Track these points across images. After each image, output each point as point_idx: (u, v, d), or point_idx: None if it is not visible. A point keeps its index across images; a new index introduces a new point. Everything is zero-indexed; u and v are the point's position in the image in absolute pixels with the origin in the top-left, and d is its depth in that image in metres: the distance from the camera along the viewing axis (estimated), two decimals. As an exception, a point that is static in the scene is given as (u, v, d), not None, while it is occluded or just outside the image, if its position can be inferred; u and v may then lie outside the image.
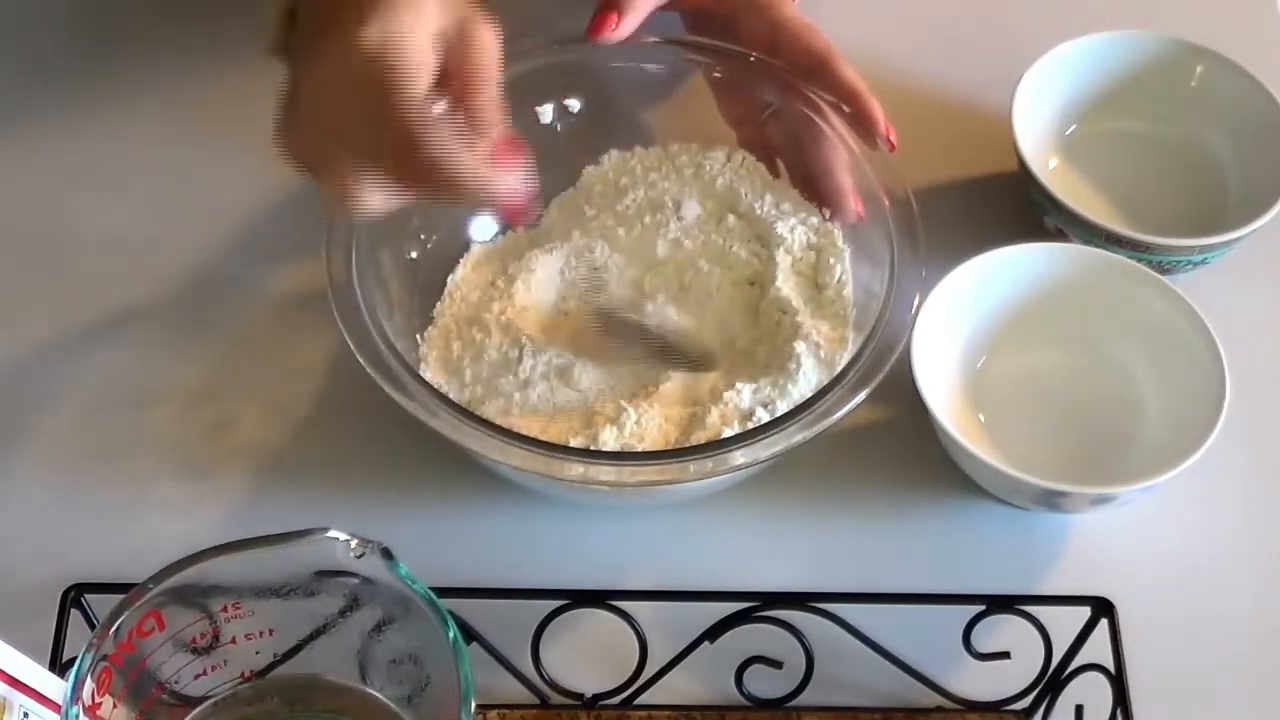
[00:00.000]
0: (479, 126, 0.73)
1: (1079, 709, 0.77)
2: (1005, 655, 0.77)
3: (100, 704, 0.64)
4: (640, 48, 0.90)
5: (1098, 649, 0.77)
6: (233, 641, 0.68)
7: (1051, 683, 0.77)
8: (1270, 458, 0.89)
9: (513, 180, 0.75)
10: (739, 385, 0.82)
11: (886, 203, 0.86)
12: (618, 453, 0.80)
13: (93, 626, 0.75)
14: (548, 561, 0.83)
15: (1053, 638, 0.77)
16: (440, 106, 0.72)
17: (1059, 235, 0.92)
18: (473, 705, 0.63)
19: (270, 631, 0.69)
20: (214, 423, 0.88)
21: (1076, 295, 0.88)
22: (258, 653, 0.69)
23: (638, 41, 0.89)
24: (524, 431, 0.79)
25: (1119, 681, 0.75)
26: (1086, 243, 0.91)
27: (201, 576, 0.65)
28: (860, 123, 0.87)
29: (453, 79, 0.72)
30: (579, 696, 0.78)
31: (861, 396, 0.79)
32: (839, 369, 0.81)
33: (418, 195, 0.73)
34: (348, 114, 0.72)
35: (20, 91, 1.01)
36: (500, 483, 0.83)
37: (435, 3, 0.72)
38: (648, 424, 0.81)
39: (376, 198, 0.73)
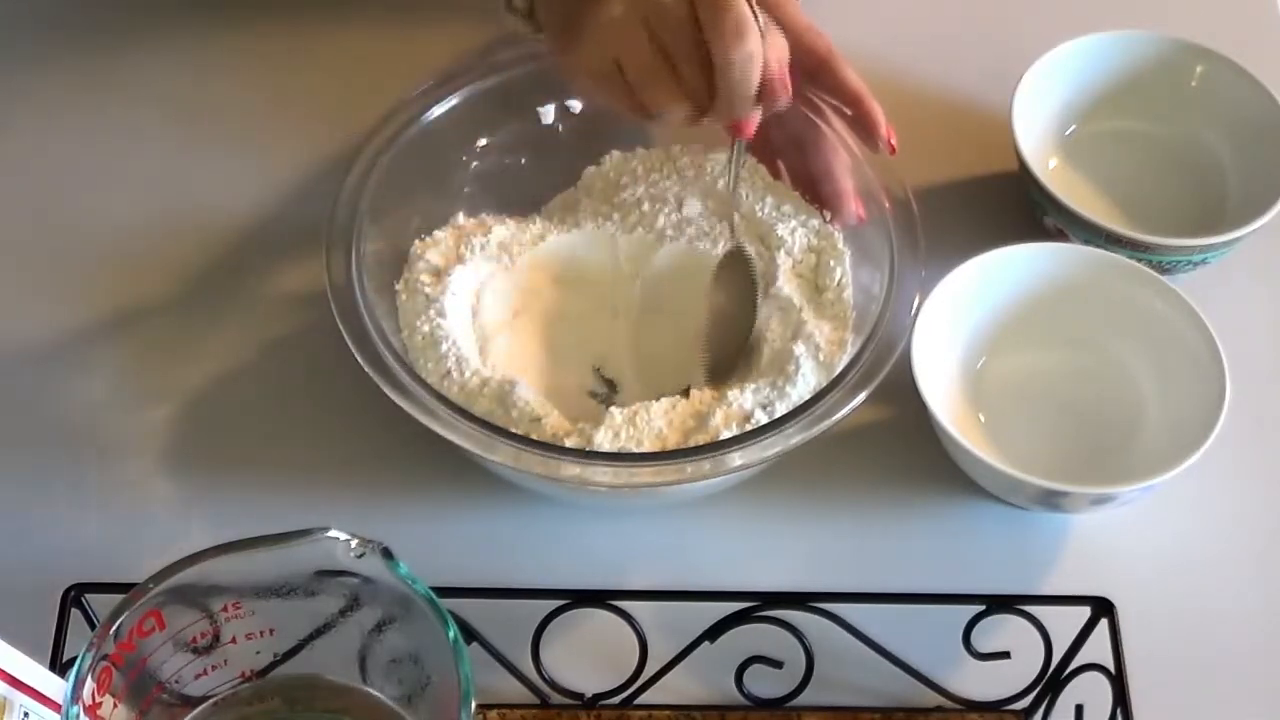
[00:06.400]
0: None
1: (1079, 709, 0.77)
2: (1005, 655, 0.77)
3: (100, 704, 0.64)
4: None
5: (1098, 649, 0.77)
6: (233, 641, 0.68)
7: (1051, 683, 0.77)
8: (1270, 458, 0.89)
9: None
10: (739, 387, 0.82)
11: (886, 204, 0.86)
12: (616, 454, 0.80)
13: (93, 626, 0.75)
14: (548, 561, 0.83)
15: (1053, 638, 0.77)
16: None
17: (1059, 235, 0.92)
18: (473, 705, 0.63)
19: (270, 631, 0.69)
20: (214, 423, 0.88)
21: (1076, 295, 0.88)
22: (258, 653, 0.69)
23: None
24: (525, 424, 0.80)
25: (1119, 681, 0.75)
26: (1086, 243, 0.91)
27: (201, 576, 0.65)
28: (861, 125, 0.87)
29: None
30: (579, 696, 0.78)
31: (860, 399, 0.79)
32: (838, 371, 0.81)
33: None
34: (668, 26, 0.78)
35: (20, 92, 1.01)
36: (500, 483, 0.83)
37: None
38: (646, 426, 0.81)
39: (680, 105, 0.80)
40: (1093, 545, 0.85)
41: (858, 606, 0.77)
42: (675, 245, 0.89)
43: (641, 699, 0.78)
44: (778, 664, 0.78)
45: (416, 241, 0.87)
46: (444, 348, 0.83)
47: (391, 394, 0.78)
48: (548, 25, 0.86)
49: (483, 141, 0.91)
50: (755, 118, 0.82)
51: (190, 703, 0.69)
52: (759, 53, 0.78)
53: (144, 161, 0.98)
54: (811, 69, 0.88)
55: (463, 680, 0.64)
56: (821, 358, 0.83)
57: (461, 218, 0.89)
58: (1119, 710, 0.75)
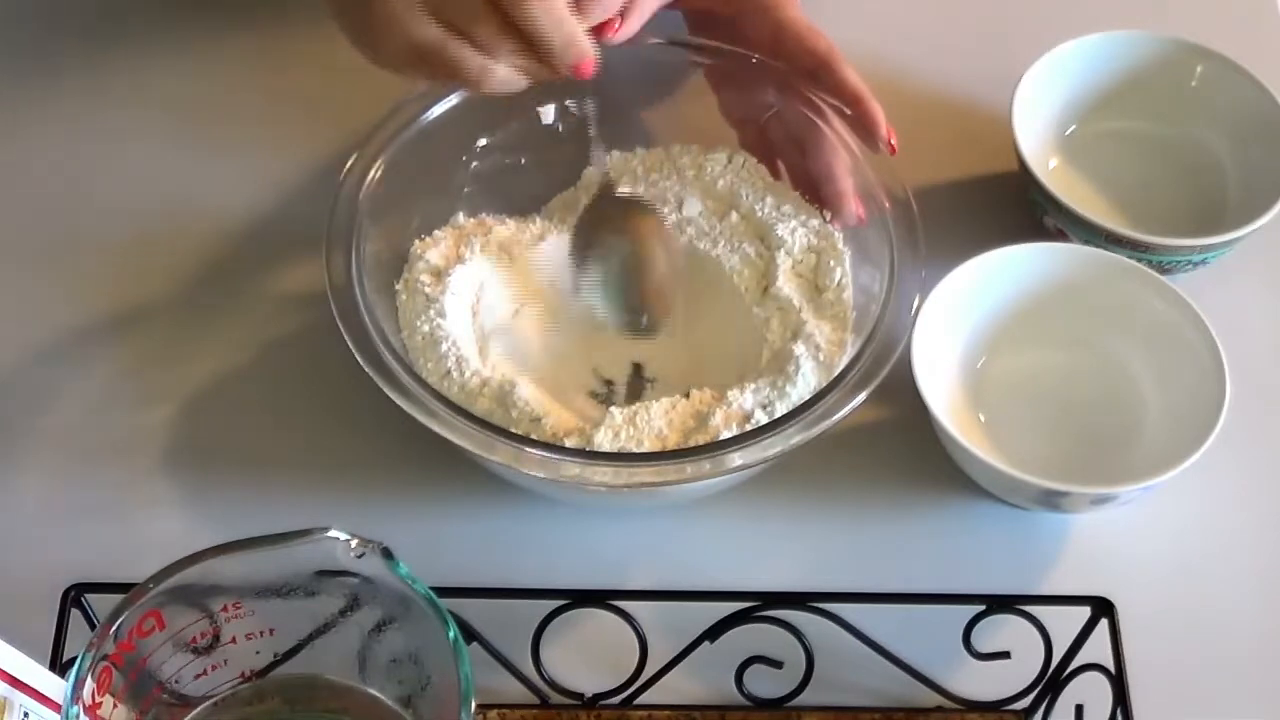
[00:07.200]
0: None
1: (1079, 709, 0.77)
2: (1005, 655, 0.77)
3: (100, 704, 0.64)
4: (643, 48, 0.90)
5: (1098, 649, 0.76)
6: (233, 641, 0.68)
7: (1051, 683, 0.77)
8: (1270, 458, 0.89)
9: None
10: (738, 387, 0.82)
11: (886, 204, 0.86)
12: (616, 454, 0.80)
13: (93, 626, 0.75)
14: (548, 561, 0.83)
15: (1053, 638, 0.77)
16: None
17: (1059, 235, 0.92)
18: (473, 705, 0.63)
19: (270, 631, 0.69)
20: (214, 423, 0.88)
21: (1076, 295, 0.88)
22: (258, 653, 0.69)
23: (640, 42, 0.89)
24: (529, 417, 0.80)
25: (1119, 681, 0.75)
26: (1086, 243, 0.91)
27: (201, 576, 0.65)
28: (861, 126, 0.87)
29: None
30: (579, 696, 0.78)
31: (860, 399, 0.79)
32: (838, 371, 0.81)
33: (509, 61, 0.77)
34: None
35: (20, 92, 1.01)
36: (500, 483, 0.83)
37: None
38: (646, 426, 0.81)
39: (499, 72, 0.76)
40: (1093, 545, 0.85)
41: (858, 606, 0.77)
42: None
43: (641, 699, 0.78)
44: (778, 664, 0.78)
45: (416, 241, 0.87)
46: (444, 348, 0.83)
47: (391, 394, 0.78)
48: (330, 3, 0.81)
49: (483, 141, 0.91)
50: (590, 57, 0.78)
51: (190, 703, 0.69)
52: None
53: (144, 162, 0.98)
54: (812, 69, 0.88)
55: (463, 680, 0.64)
56: (821, 358, 0.83)
57: (461, 218, 0.89)
58: (1119, 710, 0.75)
